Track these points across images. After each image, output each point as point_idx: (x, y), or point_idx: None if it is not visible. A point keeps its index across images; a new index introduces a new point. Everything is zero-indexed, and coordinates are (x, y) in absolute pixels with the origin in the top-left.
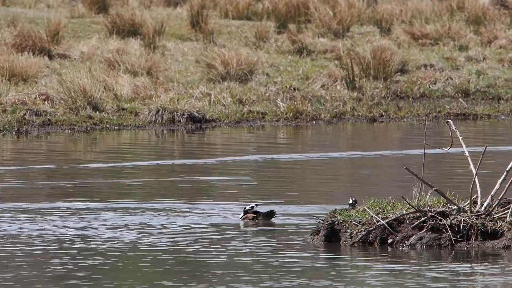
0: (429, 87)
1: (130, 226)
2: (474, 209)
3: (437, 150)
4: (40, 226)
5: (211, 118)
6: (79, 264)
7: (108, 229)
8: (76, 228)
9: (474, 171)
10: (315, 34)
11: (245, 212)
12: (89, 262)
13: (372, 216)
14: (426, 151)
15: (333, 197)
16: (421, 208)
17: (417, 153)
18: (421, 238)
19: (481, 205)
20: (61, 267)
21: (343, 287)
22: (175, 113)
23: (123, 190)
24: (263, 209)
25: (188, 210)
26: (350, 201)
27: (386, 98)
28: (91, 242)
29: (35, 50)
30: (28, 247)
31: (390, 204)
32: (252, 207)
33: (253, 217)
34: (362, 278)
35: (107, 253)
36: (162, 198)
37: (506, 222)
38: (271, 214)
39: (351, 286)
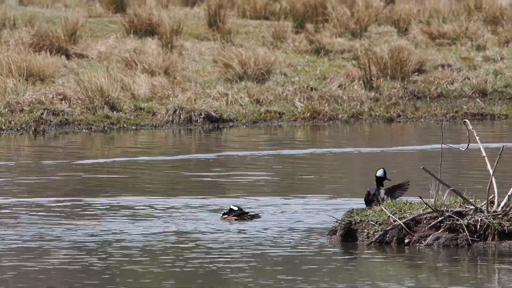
0: (447, 87)
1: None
2: (491, 209)
3: (455, 150)
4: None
5: (228, 118)
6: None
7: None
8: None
9: (491, 171)
10: (333, 34)
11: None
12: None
13: (389, 216)
14: (444, 150)
15: (348, 193)
16: (438, 208)
17: (434, 152)
18: (438, 238)
19: (498, 205)
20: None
21: None
22: (193, 113)
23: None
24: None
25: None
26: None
27: (404, 98)
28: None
29: (53, 50)
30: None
31: (407, 204)
32: (233, 209)
33: (236, 219)
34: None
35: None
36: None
37: None
38: (251, 216)
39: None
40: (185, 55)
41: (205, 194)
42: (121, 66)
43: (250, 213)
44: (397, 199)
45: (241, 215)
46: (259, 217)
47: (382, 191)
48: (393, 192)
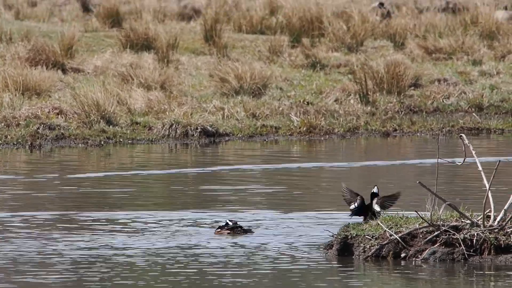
0: (443, 101)
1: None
2: (487, 223)
3: (451, 165)
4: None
5: (224, 132)
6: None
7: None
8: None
9: (487, 186)
10: (329, 48)
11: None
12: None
13: (385, 230)
14: (440, 164)
15: (345, 207)
16: (434, 223)
17: (430, 166)
18: (434, 252)
19: (494, 219)
20: None
21: None
22: (189, 127)
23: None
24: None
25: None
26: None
27: (400, 113)
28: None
29: (49, 64)
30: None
31: (403, 218)
32: (228, 223)
33: (228, 232)
34: None
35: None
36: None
37: None
38: (245, 230)
39: None
40: (182, 70)
41: (201, 208)
42: (117, 80)
43: (244, 227)
44: (390, 210)
45: (233, 229)
46: (252, 231)
47: (375, 203)
48: (384, 202)
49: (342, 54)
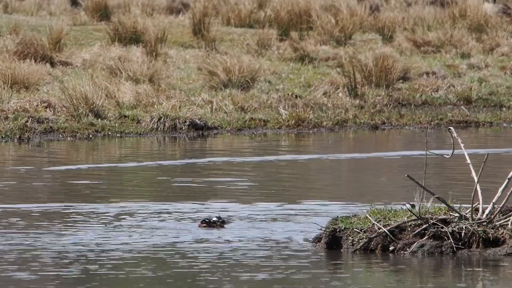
0: (431, 94)
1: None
2: (476, 216)
3: (439, 158)
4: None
5: (213, 126)
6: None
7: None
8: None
9: (475, 179)
10: (317, 41)
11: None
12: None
13: (374, 224)
14: (428, 158)
15: (334, 200)
16: (422, 216)
17: (418, 159)
18: (422, 246)
19: (483, 212)
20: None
21: None
22: (177, 120)
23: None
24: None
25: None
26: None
27: (388, 106)
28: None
29: (37, 58)
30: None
31: (392, 211)
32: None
33: (204, 226)
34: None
35: None
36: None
37: (507, 229)
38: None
39: None
40: (170, 63)
41: (186, 200)
42: (106, 73)
43: (224, 220)
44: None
45: (210, 222)
46: (230, 222)
47: None
48: None
49: (331, 48)
